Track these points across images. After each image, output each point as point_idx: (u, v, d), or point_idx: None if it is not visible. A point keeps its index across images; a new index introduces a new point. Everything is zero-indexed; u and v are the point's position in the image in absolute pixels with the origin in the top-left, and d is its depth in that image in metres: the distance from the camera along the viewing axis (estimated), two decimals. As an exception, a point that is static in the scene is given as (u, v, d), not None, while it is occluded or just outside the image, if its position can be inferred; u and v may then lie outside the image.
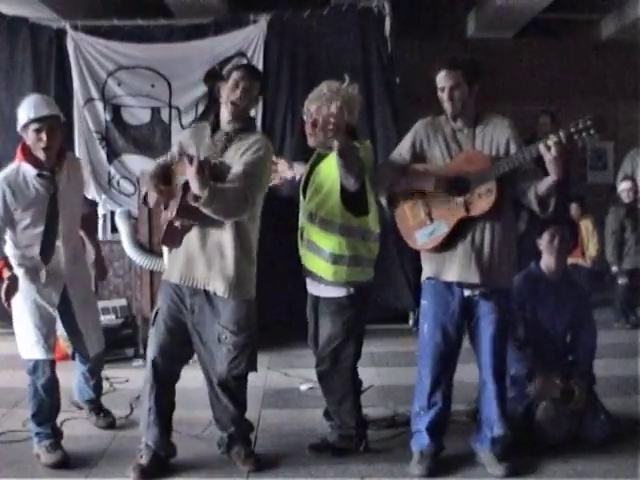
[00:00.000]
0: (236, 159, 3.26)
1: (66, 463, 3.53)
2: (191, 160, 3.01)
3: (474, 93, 3.30)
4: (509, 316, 3.45)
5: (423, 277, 3.43)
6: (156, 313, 3.40)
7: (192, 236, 3.29)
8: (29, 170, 3.52)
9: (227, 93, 3.32)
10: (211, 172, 3.08)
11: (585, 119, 2.99)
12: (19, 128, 3.54)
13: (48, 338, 3.63)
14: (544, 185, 3.14)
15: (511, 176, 3.20)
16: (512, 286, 3.48)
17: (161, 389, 3.39)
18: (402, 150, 3.43)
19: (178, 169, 3.29)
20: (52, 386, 3.61)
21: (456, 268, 3.28)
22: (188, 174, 3.02)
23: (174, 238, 3.32)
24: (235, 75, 3.32)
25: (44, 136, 3.46)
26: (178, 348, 3.40)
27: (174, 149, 3.47)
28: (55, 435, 3.62)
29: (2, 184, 3.50)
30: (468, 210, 3.23)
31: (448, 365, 3.39)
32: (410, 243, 3.41)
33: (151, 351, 3.37)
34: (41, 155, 3.50)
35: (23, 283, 3.57)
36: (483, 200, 3.20)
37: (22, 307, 3.61)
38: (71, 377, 4.83)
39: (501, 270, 3.31)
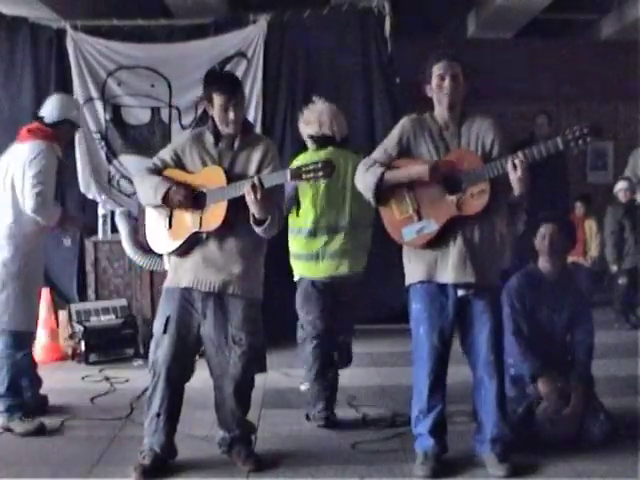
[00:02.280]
0: (252, 168, 3.33)
1: (43, 431, 3.76)
2: (256, 186, 3.11)
3: (465, 90, 3.32)
4: (501, 311, 3.46)
5: (412, 280, 3.39)
6: (167, 320, 3.35)
7: (210, 242, 3.33)
8: (57, 149, 4.10)
9: (220, 116, 3.33)
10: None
11: (582, 126, 3.03)
12: (60, 115, 4.13)
13: (36, 310, 3.99)
14: (513, 197, 3.20)
15: (505, 178, 3.18)
16: (500, 282, 3.47)
17: (174, 396, 3.38)
18: (388, 146, 3.38)
19: (198, 177, 3.34)
20: (31, 358, 4.08)
21: (450, 269, 3.27)
22: (252, 199, 3.13)
23: (192, 247, 3.35)
24: (219, 99, 3.30)
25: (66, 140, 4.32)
26: (191, 353, 3.43)
27: (166, 155, 3.45)
28: (24, 406, 3.87)
29: (53, 160, 4.03)
30: (460, 209, 3.23)
31: (444, 367, 3.39)
32: (395, 238, 3.38)
33: (164, 359, 3.32)
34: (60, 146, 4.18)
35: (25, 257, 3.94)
36: (476, 200, 3.20)
37: (18, 279, 3.89)
38: (72, 377, 4.86)
39: (493, 267, 3.33)
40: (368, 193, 3.35)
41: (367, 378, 4.88)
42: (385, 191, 3.33)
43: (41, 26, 6.35)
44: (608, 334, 5.52)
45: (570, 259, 6.52)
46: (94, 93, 6.32)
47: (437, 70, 3.29)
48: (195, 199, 3.32)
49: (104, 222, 5.77)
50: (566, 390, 3.66)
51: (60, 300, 5.98)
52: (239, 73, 6.24)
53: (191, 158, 3.41)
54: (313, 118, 4.08)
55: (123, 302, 5.62)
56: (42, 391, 4.25)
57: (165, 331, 3.34)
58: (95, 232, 5.83)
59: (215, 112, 3.35)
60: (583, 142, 3.02)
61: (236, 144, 3.39)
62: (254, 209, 3.17)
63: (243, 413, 3.48)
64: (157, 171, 3.42)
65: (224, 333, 3.34)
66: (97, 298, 5.72)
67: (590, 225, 7.25)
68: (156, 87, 6.30)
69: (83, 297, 5.87)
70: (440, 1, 8.23)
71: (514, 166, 3.07)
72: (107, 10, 6.67)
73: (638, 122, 7.68)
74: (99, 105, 6.33)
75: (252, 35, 6.29)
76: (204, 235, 3.32)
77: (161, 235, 3.44)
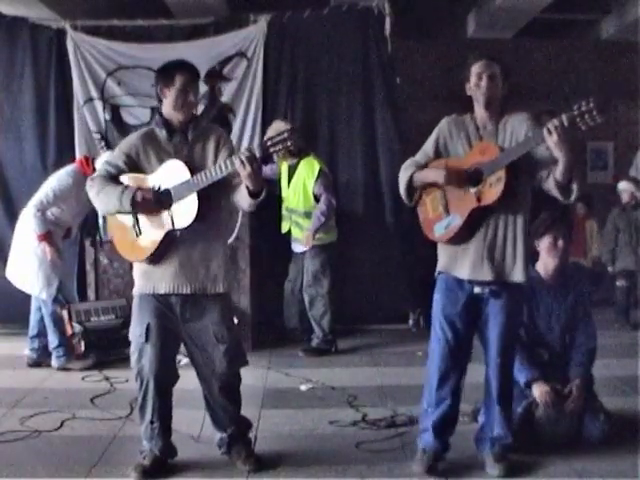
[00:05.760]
0: (209, 157, 3.28)
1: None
2: (251, 158, 3.03)
3: (503, 91, 3.34)
4: (520, 313, 3.45)
5: (437, 270, 3.43)
6: (147, 329, 3.34)
7: (183, 243, 3.28)
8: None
9: (176, 98, 3.27)
10: None
11: (588, 101, 2.92)
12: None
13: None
14: (558, 171, 3.08)
15: (528, 164, 3.17)
16: (527, 280, 3.35)
17: (164, 401, 3.39)
18: (426, 147, 3.44)
19: (158, 175, 3.25)
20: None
21: (468, 265, 3.27)
22: (246, 173, 3.04)
23: (167, 249, 3.29)
24: (181, 79, 3.27)
25: None
26: (174, 357, 3.45)
27: (118, 160, 3.33)
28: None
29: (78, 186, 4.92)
30: (480, 200, 3.22)
31: (457, 362, 3.37)
32: (429, 236, 3.41)
33: (150, 368, 3.32)
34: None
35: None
36: (493, 189, 3.19)
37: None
38: (72, 377, 4.85)
39: (516, 265, 3.26)
40: (402, 192, 3.44)
41: (367, 378, 4.88)
42: (419, 191, 3.41)
43: (41, 26, 6.35)
44: (608, 334, 5.51)
45: (570, 259, 6.52)
46: (94, 93, 6.32)
47: (476, 69, 3.32)
48: (160, 198, 3.23)
49: (104, 222, 5.76)
50: (561, 391, 3.65)
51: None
52: (239, 73, 6.27)
53: (147, 158, 3.31)
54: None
55: (123, 302, 5.60)
56: (41, 390, 4.30)
57: (147, 340, 3.33)
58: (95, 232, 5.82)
59: (171, 96, 3.27)
60: (590, 118, 2.90)
61: (190, 136, 3.33)
62: (250, 182, 3.07)
63: (236, 409, 3.48)
64: (112, 178, 3.32)
65: (206, 332, 3.34)
66: (97, 298, 5.72)
67: (591, 225, 7.23)
68: (156, 87, 6.30)
69: (83, 297, 5.86)
70: (440, 1, 8.23)
71: (549, 132, 2.97)
72: (107, 10, 6.67)
73: (638, 122, 7.67)
74: (99, 105, 6.33)
75: (252, 35, 6.29)
76: (178, 233, 3.24)
77: (132, 244, 3.37)
